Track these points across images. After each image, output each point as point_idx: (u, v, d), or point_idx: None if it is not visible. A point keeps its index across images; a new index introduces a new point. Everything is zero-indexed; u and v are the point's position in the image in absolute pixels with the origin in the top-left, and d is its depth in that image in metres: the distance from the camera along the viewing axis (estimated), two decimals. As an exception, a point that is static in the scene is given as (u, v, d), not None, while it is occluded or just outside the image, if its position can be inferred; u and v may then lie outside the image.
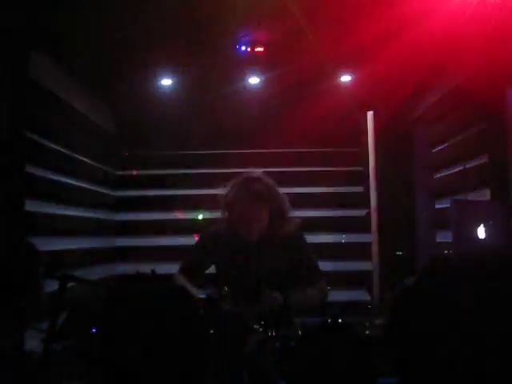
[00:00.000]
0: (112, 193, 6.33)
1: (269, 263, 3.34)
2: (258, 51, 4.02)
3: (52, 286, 3.21)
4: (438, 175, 5.16)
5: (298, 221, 3.52)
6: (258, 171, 3.42)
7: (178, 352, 1.50)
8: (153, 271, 1.76)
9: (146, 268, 2.04)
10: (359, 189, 6.24)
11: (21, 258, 2.04)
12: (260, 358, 2.14)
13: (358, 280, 6.02)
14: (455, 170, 4.60)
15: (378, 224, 5.18)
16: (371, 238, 5.31)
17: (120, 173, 6.50)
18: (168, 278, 2.65)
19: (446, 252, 4.35)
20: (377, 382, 1.72)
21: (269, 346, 2.78)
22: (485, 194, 4.13)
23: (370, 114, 5.31)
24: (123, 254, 6.29)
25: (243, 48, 3.99)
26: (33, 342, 3.47)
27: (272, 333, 2.91)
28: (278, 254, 3.35)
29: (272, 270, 3.35)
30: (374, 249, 5.14)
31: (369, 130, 5.27)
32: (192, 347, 1.53)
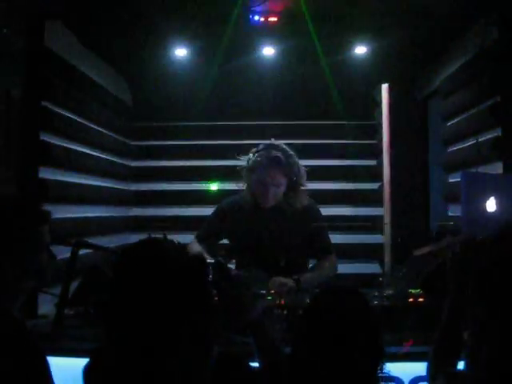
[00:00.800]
0: (128, 163, 6.37)
1: (286, 230, 3.41)
2: (271, 21, 4.00)
3: (65, 252, 3.27)
4: (452, 148, 5.12)
5: (307, 197, 3.58)
6: (278, 141, 3.49)
7: (184, 317, 1.52)
8: (165, 236, 1.78)
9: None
10: (372, 162, 6.21)
11: (24, 219, 2.04)
12: (266, 324, 2.17)
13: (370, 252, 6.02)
14: (469, 144, 4.57)
15: (390, 197, 5.18)
16: (383, 211, 5.32)
17: (135, 143, 6.52)
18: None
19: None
20: (383, 350, 1.74)
21: (276, 313, 2.84)
22: (498, 168, 4.11)
23: (384, 86, 5.28)
24: (138, 223, 6.34)
25: (256, 18, 3.98)
26: (46, 307, 3.55)
27: (280, 301, 2.96)
28: (293, 223, 3.42)
29: (289, 237, 3.42)
30: (386, 221, 5.15)
31: (383, 102, 5.24)
32: (197, 312, 1.54)
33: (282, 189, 3.40)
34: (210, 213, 5.84)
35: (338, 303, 1.76)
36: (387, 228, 5.25)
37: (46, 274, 2.09)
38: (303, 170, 3.49)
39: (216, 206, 3.68)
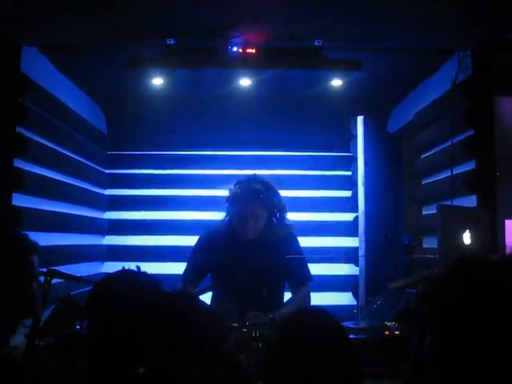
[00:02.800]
0: (101, 191, 6.32)
1: (266, 261, 3.41)
2: (249, 52, 4.02)
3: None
4: (426, 181, 5.18)
5: (292, 223, 3.60)
6: (260, 173, 3.52)
7: (162, 347, 1.50)
8: (138, 268, 1.76)
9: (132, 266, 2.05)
10: (347, 193, 6.25)
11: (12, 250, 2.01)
12: (239, 357, 2.14)
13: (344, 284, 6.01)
14: (443, 177, 4.62)
15: (365, 229, 5.22)
16: (358, 242, 5.35)
17: (110, 171, 6.48)
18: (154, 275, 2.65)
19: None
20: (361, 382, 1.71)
21: (251, 346, 2.80)
22: (472, 201, 4.15)
23: (359, 118, 5.35)
24: (111, 252, 6.27)
25: (235, 49, 3.99)
26: (18, 338, 3.47)
27: (256, 333, 2.93)
28: (273, 254, 3.42)
29: (268, 268, 3.42)
30: (361, 253, 5.18)
31: (359, 134, 5.31)
32: (174, 345, 1.52)
33: (262, 221, 3.41)
34: (184, 242, 5.84)
35: (309, 322, 1.73)
36: (362, 260, 5.28)
37: (37, 303, 2.07)
38: (284, 202, 3.50)
39: (196, 242, 3.64)
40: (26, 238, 2.15)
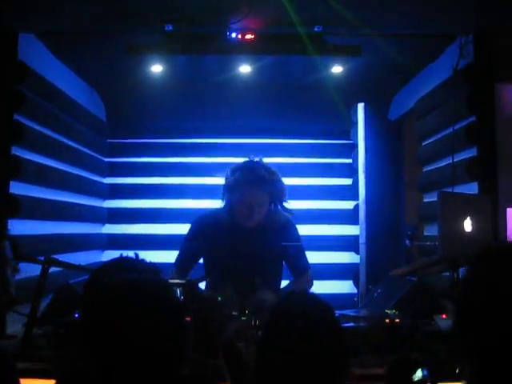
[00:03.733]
0: (101, 179, 6.29)
1: (264, 249, 3.36)
2: (248, 38, 3.98)
3: (35, 269, 3.20)
4: (427, 169, 5.15)
5: (290, 212, 3.55)
6: (258, 158, 3.45)
7: (157, 337, 1.48)
8: (136, 255, 1.74)
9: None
10: (348, 181, 6.22)
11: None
12: (238, 346, 2.13)
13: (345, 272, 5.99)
14: (444, 164, 4.59)
15: (366, 217, 5.19)
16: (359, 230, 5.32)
17: (109, 160, 6.46)
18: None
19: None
20: (348, 370, 1.69)
21: (250, 335, 2.78)
22: (473, 188, 4.13)
23: (360, 105, 5.32)
24: (111, 240, 6.26)
25: (233, 35, 3.95)
26: (15, 326, 3.46)
27: (255, 322, 2.91)
28: (272, 240, 3.37)
29: (266, 256, 3.38)
30: (362, 241, 5.16)
31: (359, 121, 5.27)
32: (169, 335, 1.51)
33: (265, 207, 3.34)
34: (184, 231, 5.80)
35: (298, 306, 1.71)
36: (362, 248, 5.26)
37: (10, 288, 2.06)
38: (285, 188, 3.44)
39: (189, 227, 3.59)
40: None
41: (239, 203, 3.33)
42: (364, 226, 5.39)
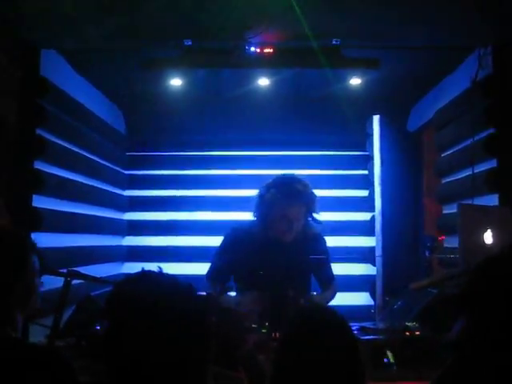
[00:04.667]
0: (121, 192, 6.35)
1: (296, 262, 3.37)
2: (266, 52, 4.00)
3: (58, 282, 3.23)
4: (446, 180, 5.13)
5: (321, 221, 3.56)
6: (291, 172, 3.46)
7: (180, 351, 1.49)
8: (159, 268, 1.75)
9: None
10: (364, 193, 6.21)
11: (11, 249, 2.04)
12: (258, 358, 2.14)
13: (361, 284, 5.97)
14: (463, 175, 4.57)
15: (382, 229, 5.18)
16: (375, 242, 5.31)
17: (129, 172, 6.51)
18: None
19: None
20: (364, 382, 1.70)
21: (270, 347, 2.79)
22: (493, 200, 4.11)
23: (376, 117, 5.32)
24: (131, 252, 6.30)
25: (252, 49, 3.98)
26: (37, 338, 3.49)
27: (275, 334, 2.92)
28: (304, 253, 3.38)
29: (298, 268, 3.39)
30: (378, 253, 5.14)
31: (375, 133, 5.28)
32: (194, 346, 1.52)
33: (302, 221, 3.34)
34: (203, 243, 5.82)
35: (318, 318, 1.72)
36: (379, 260, 5.24)
37: (37, 300, 2.10)
38: (317, 198, 3.44)
39: (222, 240, 3.57)
40: (27, 238, 2.18)
41: (277, 219, 3.31)
42: (380, 237, 5.38)
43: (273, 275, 3.29)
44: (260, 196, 3.38)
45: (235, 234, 3.51)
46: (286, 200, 3.26)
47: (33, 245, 2.14)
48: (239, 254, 3.38)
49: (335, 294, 3.61)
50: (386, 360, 2.68)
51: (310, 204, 3.32)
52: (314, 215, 3.41)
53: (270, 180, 3.41)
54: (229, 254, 3.43)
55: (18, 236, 2.11)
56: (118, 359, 1.49)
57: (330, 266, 3.59)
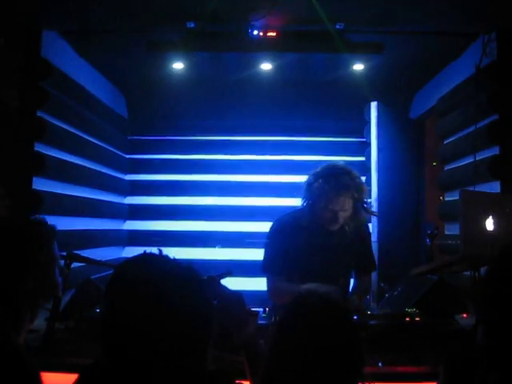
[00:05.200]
0: (122, 176, 6.34)
1: (344, 250, 3.37)
2: (270, 36, 3.97)
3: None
4: (449, 167, 5.11)
5: (374, 212, 3.58)
6: (341, 162, 3.45)
7: (179, 333, 1.48)
8: (160, 251, 1.74)
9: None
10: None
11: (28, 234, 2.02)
12: (259, 343, 2.12)
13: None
14: (466, 162, 4.55)
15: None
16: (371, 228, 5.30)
17: (131, 156, 6.50)
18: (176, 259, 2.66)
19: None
20: (362, 368, 1.68)
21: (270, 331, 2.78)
22: (495, 187, 4.10)
23: (373, 104, 5.30)
24: (132, 236, 6.30)
25: (255, 32, 3.95)
26: (37, 321, 3.49)
27: (275, 318, 2.91)
28: (351, 241, 3.38)
29: (346, 256, 3.39)
30: (374, 238, 5.14)
31: (372, 120, 5.26)
32: (194, 328, 1.50)
33: (349, 211, 3.33)
34: (204, 227, 5.81)
35: (315, 303, 1.71)
36: (374, 246, 5.24)
37: (57, 289, 2.07)
38: (366, 188, 3.44)
39: (271, 229, 3.54)
40: (45, 223, 2.14)
41: (324, 209, 3.31)
42: (376, 224, 5.38)
43: (320, 261, 3.29)
44: (308, 184, 3.36)
45: (282, 222, 3.48)
46: (332, 192, 3.24)
47: (53, 230, 2.10)
48: (286, 242, 3.36)
49: (370, 284, 3.63)
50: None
51: (359, 195, 3.31)
52: (364, 206, 3.40)
53: (319, 168, 3.39)
54: (278, 244, 3.40)
55: (22, 229, 2.08)
56: (115, 341, 1.48)
57: (371, 254, 3.59)
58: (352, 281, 3.59)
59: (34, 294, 1.97)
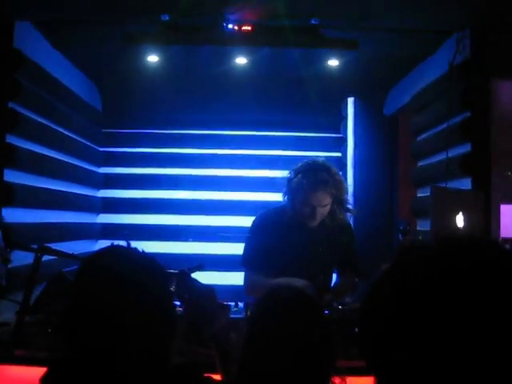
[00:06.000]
0: (96, 169, 6.29)
1: (325, 248, 3.37)
2: (245, 30, 3.97)
3: (29, 257, 3.19)
4: (422, 163, 5.16)
5: (353, 210, 3.57)
6: (321, 158, 3.45)
7: (144, 327, 1.48)
8: (128, 244, 1.74)
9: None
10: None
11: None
12: (230, 337, 2.13)
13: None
14: (439, 159, 4.60)
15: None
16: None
17: (104, 149, 6.46)
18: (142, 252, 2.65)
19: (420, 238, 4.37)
20: (334, 362, 1.69)
21: (242, 326, 2.79)
22: (466, 184, 4.14)
23: (350, 99, 5.33)
24: (105, 230, 6.27)
25: (230, 26, 3.94)
26: (8, 314, 3.46)
27: (247, 312, 2.91)
28: (333, 240, 3.38)
29: (327, 255, 3.39)
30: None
31: (349, 115, 5.29)
32: (158, 322, 1.51)
33: (328, 208, 3.33)
34: (177, 221, 5.80)
35: (283, 298, 1.72)
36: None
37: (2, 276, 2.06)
38: (346, 186, 3.44)
39: (253, 224, 3.53)
40: None
41: (302, 205, 3.31)
42: (351, 220, 5.40)
43: (300, 258, 3.29)
44: (288, 180, 3.37)
45: (264, 218, 3.48)
46: (310, 187, 3.25)
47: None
48: (267, 237, 3.36)
49: (355, 285, 3.59)
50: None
51: (337, 192, 3.31)
52: (343, 203, 3.39)
53: (299, 164, 3.40)
54: (258, 239, 3.40)
55: None
56: (79, 328, 1.48)
57: (354, 255, 3.58)
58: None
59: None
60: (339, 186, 3.32)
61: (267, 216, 3.49)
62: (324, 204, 3.28)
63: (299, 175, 3.31)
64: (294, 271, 3.21)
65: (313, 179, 3.26)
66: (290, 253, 3.33)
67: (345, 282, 3.55)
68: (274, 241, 3.34)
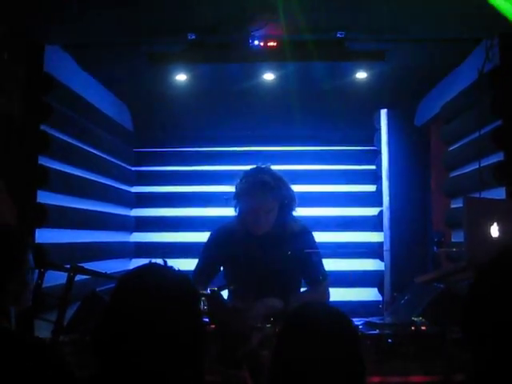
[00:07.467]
0: (128, 188, 6.35)
1: (279, 258, 3.32)
2: (270, 46, 3.97)
3: (63, 278, 3.23)
4: (454, 174, 5.09)
5: (302, 218, 3.50)
6: (266, 164, 3.42)
7: (177, 348, 1.48)
8: (165, 262, 1.75)
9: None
10: (372, 188, 6.18)
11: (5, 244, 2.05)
12: (262, 356, 2.12)
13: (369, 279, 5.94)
14: (471, 169, 4.53)
15: (390, 224, 5.15)
16: (383, 237, 5.28)
17: (136, 169, 6.51)
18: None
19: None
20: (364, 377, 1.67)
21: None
22: (501, 193, 4.07)
23: (383, 111, 5.29)
24: (138, 249, 6.31)
25: (256, 42, 3.95)
26: (43, 333, 3.49)
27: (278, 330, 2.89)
28: (286, 248, 3.33)
29: (282, 265, 3.34)
30: (386, 248, 5.12)
31: (382, 128, 5.25)
32: (189, 343, 1.51)
33: (273, 215, 3.28)
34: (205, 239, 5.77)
35: (314, 315, 1.70)
36: (387, 255, 5.22)
37: (28, 298, 2.11)
38: (294, 194, 3.39)
39: (206, 240, 3.57)
40: (23, 236, 2.20)
41: (245, 210, 3.30)
42: (388, 232, 5.36)
43: (254, 271, 3.26)
44: (235, 188, 3.38)
45: (218, 232, 3.49)
46: (251, 190, 3.23)
47: (29, 243, 2.16)
48: (222, 250, 3.37)
49: (326, 295, 3.47)
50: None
51: (282, 198, 3.27)
52: (290, 210, 3.34)
53: (243, 172, 3.40)
54: (212, 251, 3.41)
55: (15, 235, 2.12)
56: (114, 354, 1.48)
57: (319, 264, 3.46)
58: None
59: (15, 297, 2.01)
60: (283, 190, 3.27)
61: (219, 230, 3.48)
62: (266, 209, 3.22)
63: (243, 180, 3.31)
64: (250, 283, 3.18)
65: (253, 183, 3.23)
66: (242, 265, 3.30)
67: (311, 294, 3.45)
68: (225, 254, 3.33)
